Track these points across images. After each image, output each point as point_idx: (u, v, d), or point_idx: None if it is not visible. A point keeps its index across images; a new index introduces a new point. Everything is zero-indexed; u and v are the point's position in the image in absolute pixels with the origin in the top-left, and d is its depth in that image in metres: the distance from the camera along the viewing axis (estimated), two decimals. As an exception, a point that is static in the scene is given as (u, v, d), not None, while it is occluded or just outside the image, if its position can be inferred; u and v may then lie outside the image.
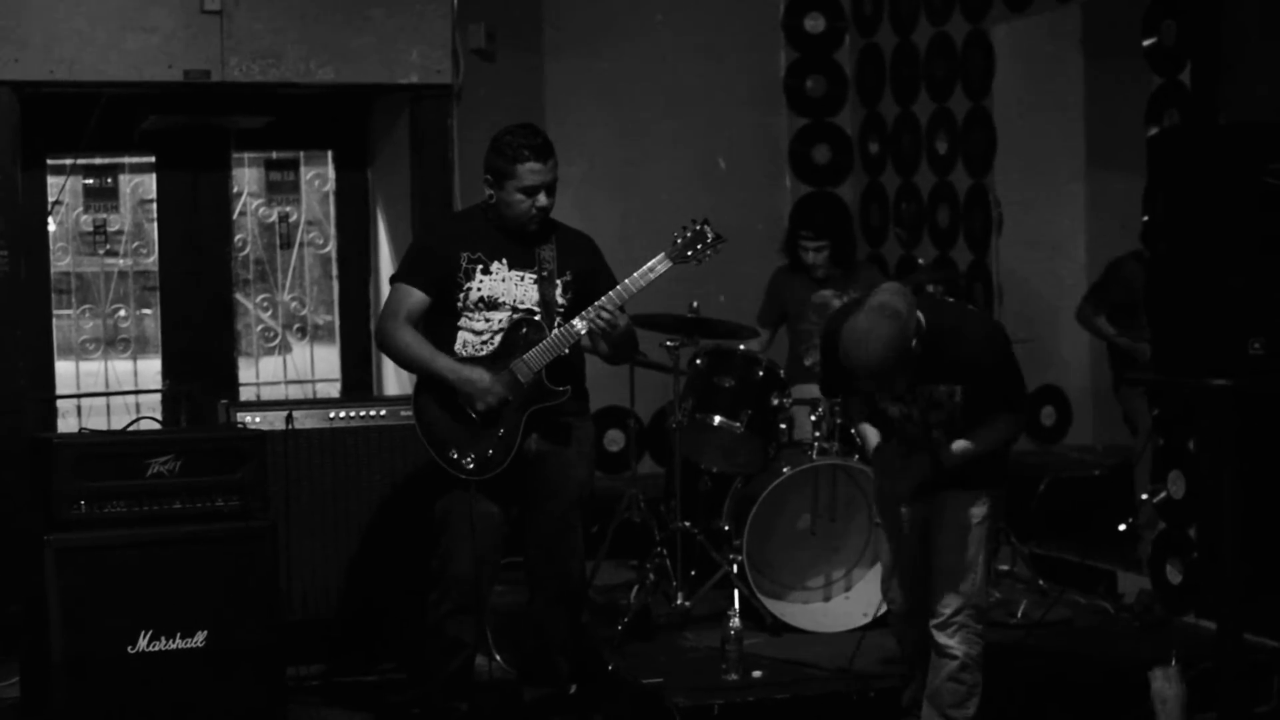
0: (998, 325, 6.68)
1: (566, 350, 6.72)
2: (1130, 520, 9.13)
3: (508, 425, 6.69)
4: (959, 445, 6.34)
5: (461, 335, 6.79)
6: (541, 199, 6.73)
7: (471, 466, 6.67)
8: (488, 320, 6.77)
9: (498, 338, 6.75)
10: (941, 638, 6.46)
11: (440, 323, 6.87)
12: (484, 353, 6.74)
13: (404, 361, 6.94)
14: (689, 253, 6.82)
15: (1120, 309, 9.25)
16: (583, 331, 6.70)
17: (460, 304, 6.78)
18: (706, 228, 6.86)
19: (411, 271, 6.86)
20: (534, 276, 6.78)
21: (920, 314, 6.09)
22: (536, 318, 6.75)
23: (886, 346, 5.97)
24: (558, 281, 6.80)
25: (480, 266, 6.77)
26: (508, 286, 6.77)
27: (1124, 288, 9.17)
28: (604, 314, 6.63)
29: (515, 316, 6.75)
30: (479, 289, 6.76)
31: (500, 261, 6.78)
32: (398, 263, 7.12)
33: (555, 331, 6.71)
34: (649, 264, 6.73)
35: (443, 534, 6.82)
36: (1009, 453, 6.64)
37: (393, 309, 6.85)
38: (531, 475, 6.82)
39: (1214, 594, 7.54)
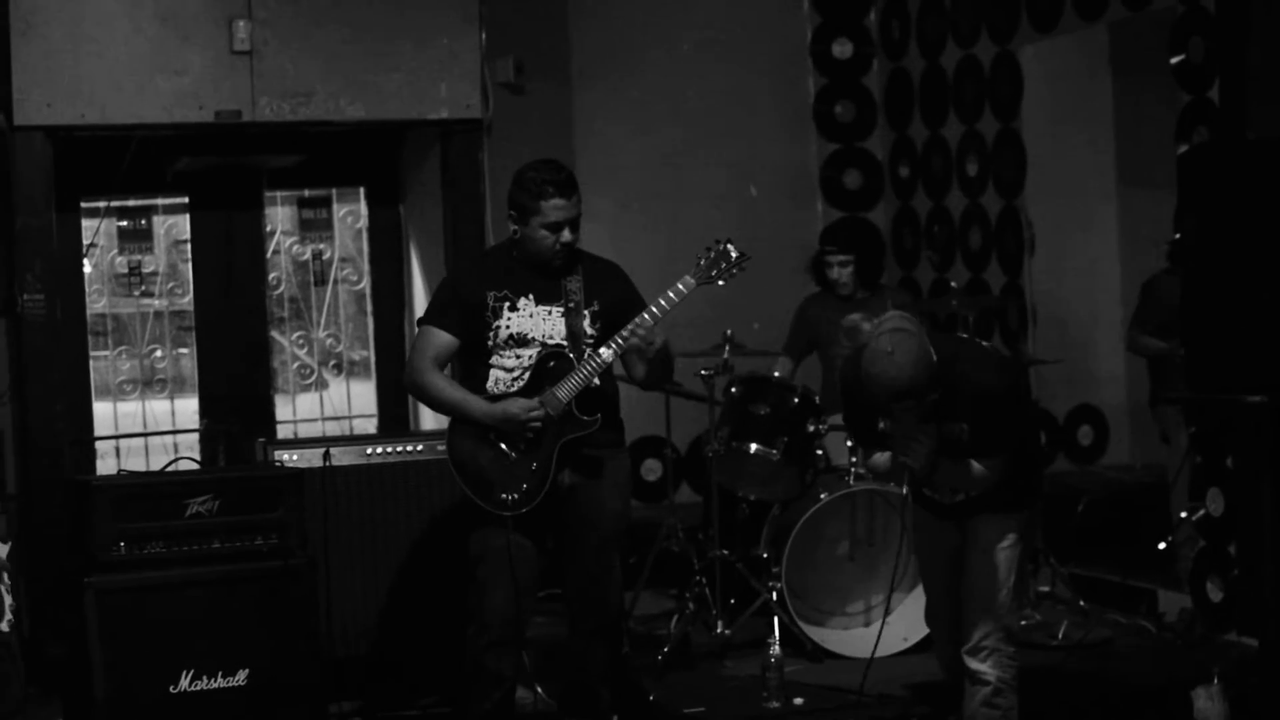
0: (1008, 365, 6.65)
1: (596, 380, 6.71)
2: (1170, 538, 9.10)
3: (541, 459, 6.69)
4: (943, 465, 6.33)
5: (493, 373, 6.79)
6: (566, 234, 6.72)
7: (508, 502, 6.67)
8: (518, 357, 6.76)
9: (528, 374, 6.75)
10: (973, 663, 6.43)
11: (471, 362, 6.88)
12: (515, 389, 6.74)
13: (435, 404, 6.95)
14: (713, 272, 6.80)
15: (1163, 328, 9.23)
16: (609, 360, 6.69)
17: (490, 343, 6.77)
18: (730, 247, 6.84)
19: (438, 314, 6.86)
20: (561, 310, 6.78)
21: (933, 354, 6.09)
22: (565, 350, 6.75)
23: (914, 362, 5.97)
24: (585, 312, 6.80)
25: (507, 304, 6.77)
26: (535, 322, 6.77)
27: (1161, 306, 9.16)
28: (639, 332, 6.61)
29: (544, 351, 6.76)
30: (508, 326, 6.76)
31: (527, 297, 6.78)
32: (428, 302, 7.13)
33: (583, 362, 6.71)
34: (674, 286, 6.72)
35: (478, 568, 6.81)
36: (1040, 475, 6.61)
37: (421, 352, 6.85)
38: (567, 509, 6.81)
39: (1256, 611, 7.51)
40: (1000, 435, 6.26)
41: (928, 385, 6.03)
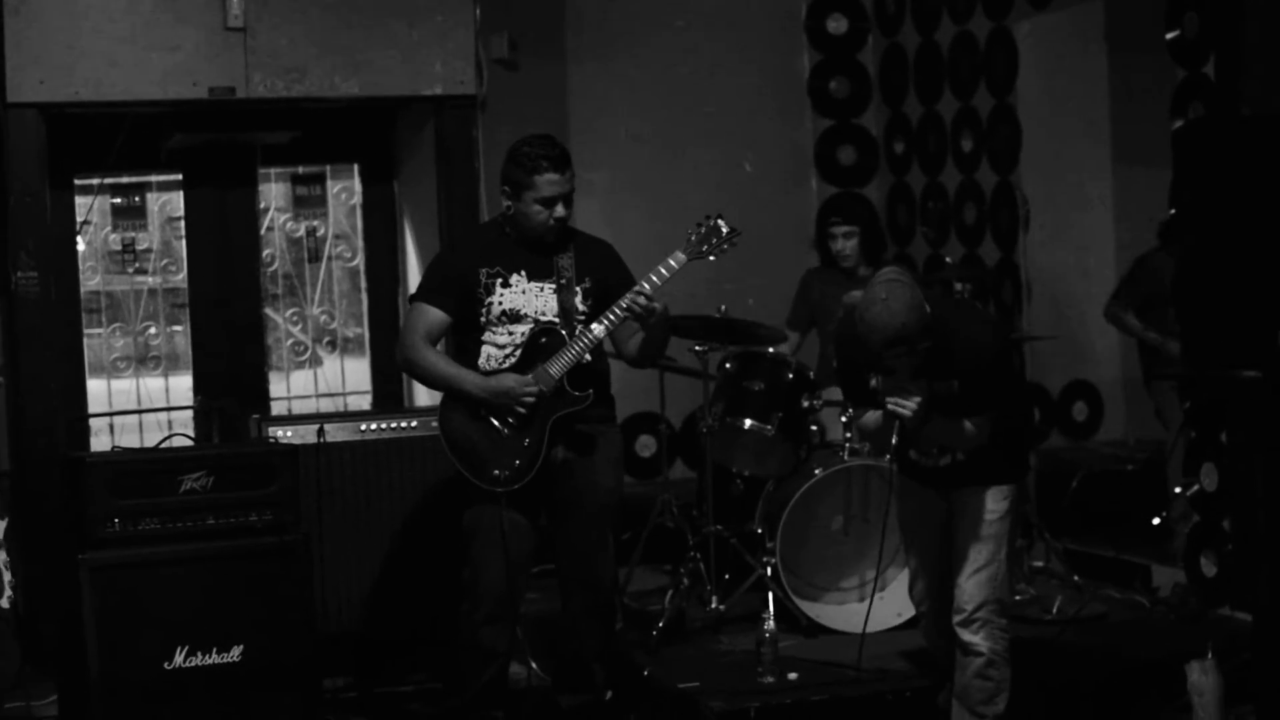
0: (999, 325, 6.67)
1: (587, 356, 6.72)
2: (1164, 514, 9.11)
3: (533, 434, 6.70)
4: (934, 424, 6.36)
5: (485, 349, 6.80)
6: (559, 210, 6.73)
7: (501, 478, 6.67)
8: (510, 333, 6.77)
9: (520, 350, 6.75)
10: (965, 634, 6.46)
11: (463, 339, 6.90)
12: (506, 366, 6.75)
13: (428, 381, 6.96)
14: (704, 248, 6.82)
15: (1149, 304, 9.23)
16: (602, 336, 6.71)
17: (483, 319, 6.78)
18: (720, 222, 6.85)
19: (431, 291, 6.87)
20: (553, 286, 6.79)
21: (926, 305, 6.11)
22: (557, 327, 6.75)
23: (907, 308, 6.02)
24: (577, 289, 6.81)
25: (500, 280, 6.78)
26: (528, 298, 6.78)
27: (1152, 282, 9.16)
28: (639, 300, 6.60)
29: (536, 328, 6.76)
30: (500, 303, 6.76)
31: (519, 274, 6.79)
32: (420, 279, 7.13)
33: (575, 338, 6.71)
34: (665, 262, 6.73)
35: (472, 544, 6.83)
36: (1028, 446, 6.61)
37: (413, 329, 6.86)
38: (559, 484, 6.83)
39: (1249, 586, 7.51)
40: (988, 391, 6.30)
41: (919, 333, 6.07)
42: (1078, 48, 10.94)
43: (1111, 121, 11.22)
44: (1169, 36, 8.42)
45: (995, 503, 6.49)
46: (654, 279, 6.68)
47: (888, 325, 6.03)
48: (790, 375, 8.39)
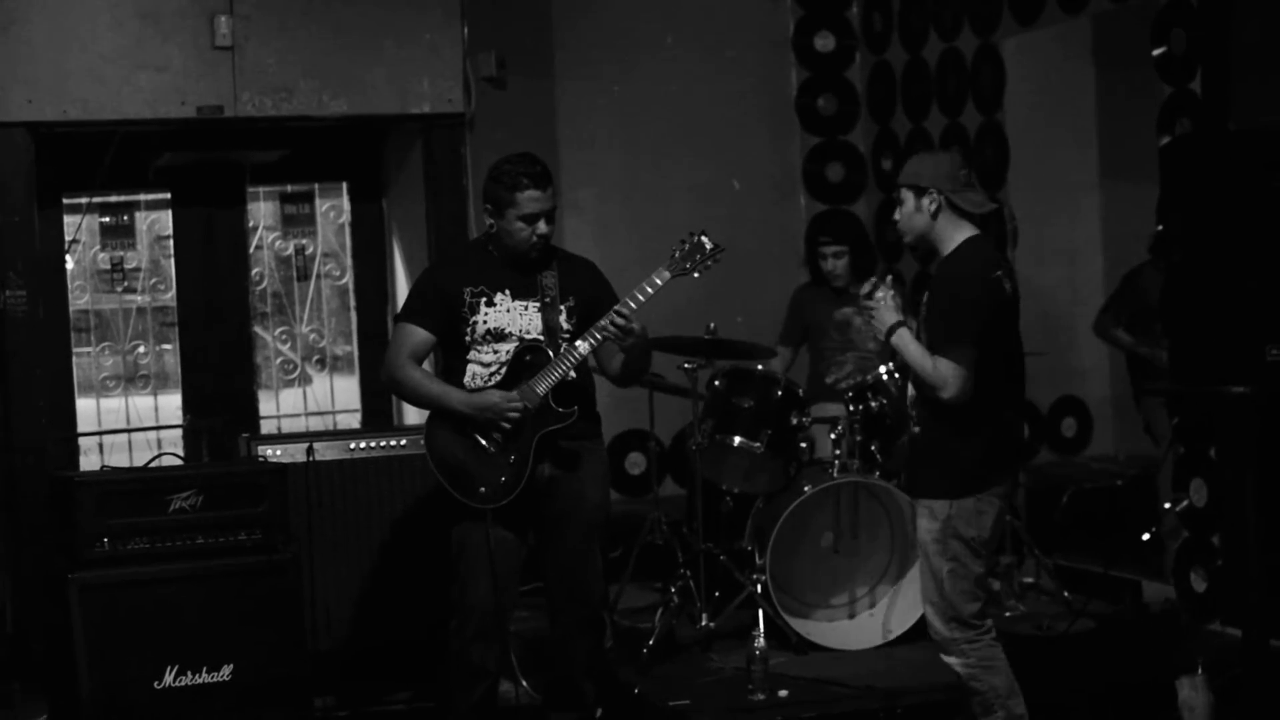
0: (982, 267, 6.37)
1: (572, 373, 6.71)
2: (1154, 529, 9.11)
3: (519, 451, 6.69)
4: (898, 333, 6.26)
5: (470, 368, 6.79)
6: (542, 226, 6.73)
7: (487, 495, 6.67)
8: (495, 352, 6.77)
9: (505, 368, 6.75)
10: (942, 657, 6.33)
11: (449, 358, 6.89)
12: (492, 384, 6.74)
13: (414, 399, 6.95)
14: (688, 264, 6.79)
15: (1138, 319, 9.25)
16: (586, 353, 6.70)
17: (468, 338, 6.78)
18: (704, 238, 6.83)
19: (415, 311, 6.87)
20: (537, 304, 6.78)
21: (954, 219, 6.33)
22: (542, 344, 6.75)
23: (924, 162, 6.39)
24: (561, 307, 6.80)
25: (484, 299, 6.77)
26: (513, 317, 6.77)
27: (1141, 298, 9.18)
28: (618, 321, 6.58)
29: (520, 346, 6.75)
30: (485, 321, 6.76)
31: (503, 293, 6.78)
32: (405, 299, 7.13)
33: (559, 356, 6.70)
34: (649, 279, 6.72)
35: (459, 562, 6.82)
36: (986, 461, 6.31)
37: (398, 349, 6.85)
38: (546, 501, 6.82)
39: (1239, 601, 7.52)
40: (942, 323, 6.14)
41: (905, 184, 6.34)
42: (1065, 64, 10.95)
43: (1099, 137, 11.23)
44: (1156, 53, 8.44)
45: (926, 520, 6.24)
46: (638, 296, 6.67)
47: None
48: (779, 392, 8.39)
